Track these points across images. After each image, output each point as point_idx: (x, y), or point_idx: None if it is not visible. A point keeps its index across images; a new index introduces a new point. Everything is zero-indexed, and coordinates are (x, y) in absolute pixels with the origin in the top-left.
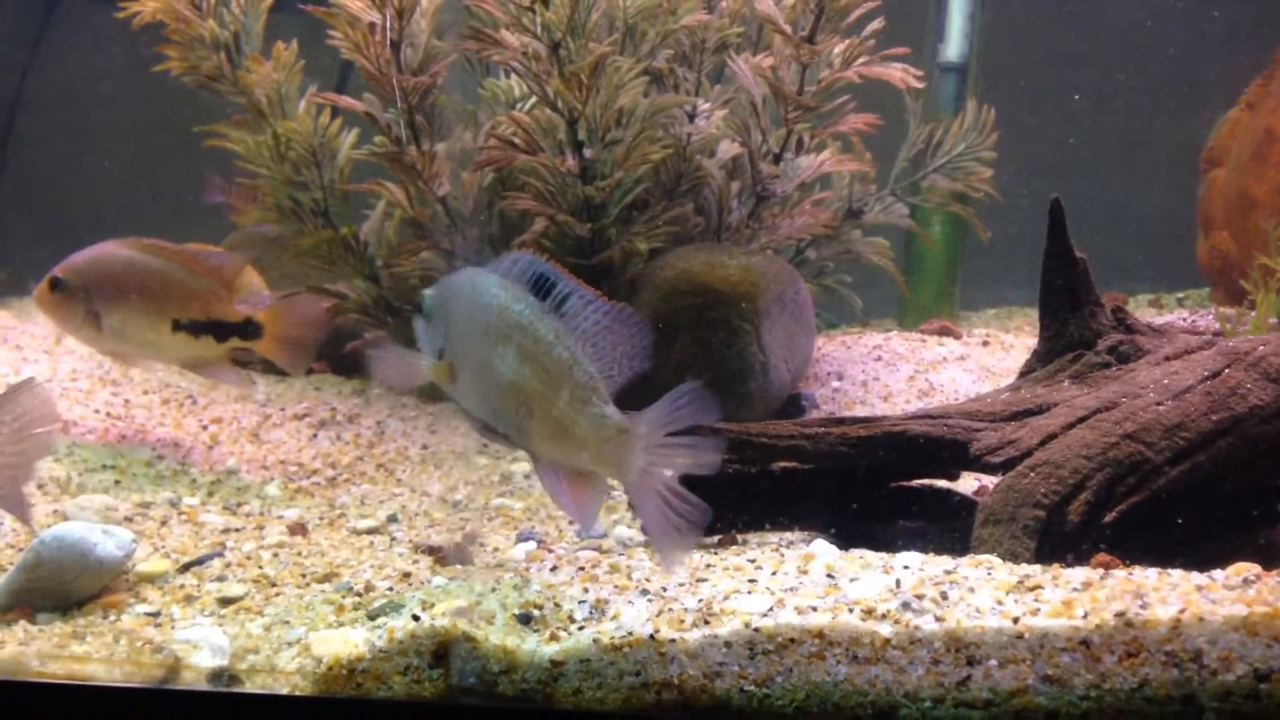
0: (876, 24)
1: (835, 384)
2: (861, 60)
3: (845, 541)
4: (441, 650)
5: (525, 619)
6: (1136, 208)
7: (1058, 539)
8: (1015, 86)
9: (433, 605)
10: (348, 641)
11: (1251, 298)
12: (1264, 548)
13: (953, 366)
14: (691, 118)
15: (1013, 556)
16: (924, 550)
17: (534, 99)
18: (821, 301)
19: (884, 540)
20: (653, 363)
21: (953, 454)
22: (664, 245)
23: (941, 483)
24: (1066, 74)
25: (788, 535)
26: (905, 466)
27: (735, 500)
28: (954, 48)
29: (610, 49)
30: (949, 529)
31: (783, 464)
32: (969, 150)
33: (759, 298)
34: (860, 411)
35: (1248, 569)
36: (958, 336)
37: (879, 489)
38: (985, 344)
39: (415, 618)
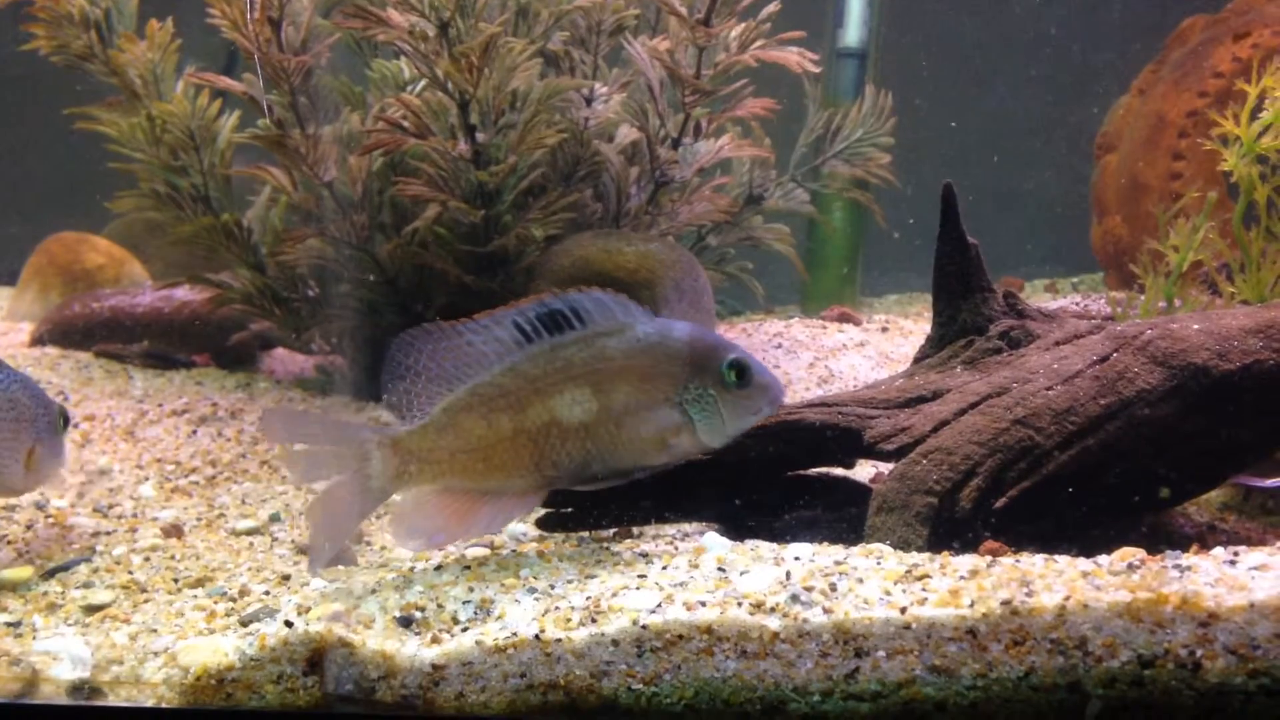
0: (773, 7)
1: None
2: (758, 44)
3: (741, 533)
4: (316, 657)
5: (406, 621)
6: (1035, 193)
7: (950, 526)
8: (915, 72)
9: (309, 609)
10: (217, 650)
11: (1141, 282)
12: (1149, 531)
13: (852, 353)
14: (589, 101)
15: (905, 544)
16: (818, 540)
17: (424, 81)
18: (725, 288)
19: (780, 530)
20: None
21: (847, 442)
22: (561, 232)
23: (838, 471)
24: (966, 60)
25: (685, 527)
26: (801, 455)
27: (631, 492)
28: (853, 33)
29: (501, 29)
30: (845, 517)
31: None
32: (867, 136)
33: (657, 285)
34: None
35: (1133, 554)
36: (857, 323)
37: (775, 478)
38: (884, 330)
39: (288, 623)
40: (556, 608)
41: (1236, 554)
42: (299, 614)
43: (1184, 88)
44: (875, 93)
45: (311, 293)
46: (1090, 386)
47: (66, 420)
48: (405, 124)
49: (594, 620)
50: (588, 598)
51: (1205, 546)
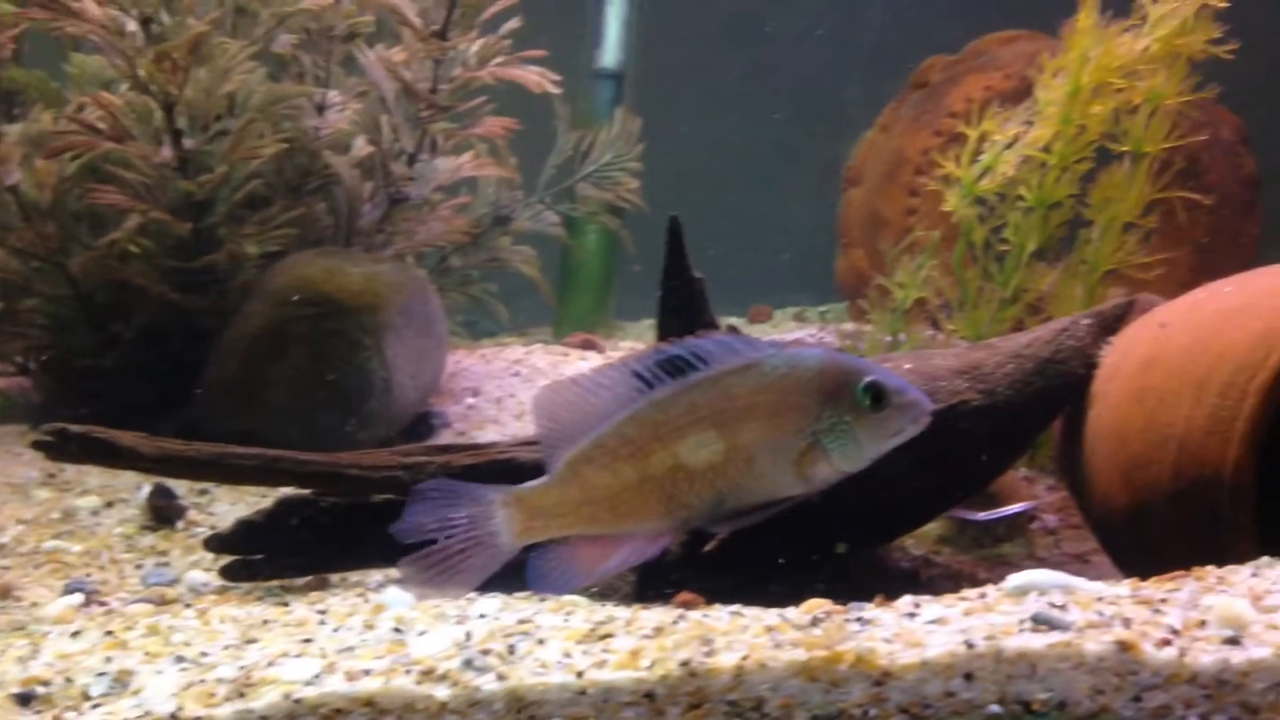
0: (513, 23)
1: (470, 400)
2: (498, 60)
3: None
4: None
5: (25, 699)
6: (788, 222)
7: (660, 571)
8: (674, 98)
9: None
10: None
11: (869, 316)
12: (866, 566)
13: None
14: (321, 110)
15: (612, 590)
16: (526, 586)
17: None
18: (476, 311)
19: (499, 576)
20: (261, 379)
21: None
22: (283, 249)
23: None
24: (724, 87)
25: (393, 573)
26: None
27: (330, 537)
28: (610, 54)
29: (211, 28)
30: None
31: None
32: (617, 160)
33: (383, 309)
34: (492, 430)
35: (820, 606)
36: (600, 350)
37: None
38: None
39: None
40: (203, 680)
41: (918, 605)
42: None
43: (922, 126)
44: (626, 115)
45: None
46: None
47: None
48: (101, 125)
49: (242, 694)
50: (241, 667)
51: (919, 580)
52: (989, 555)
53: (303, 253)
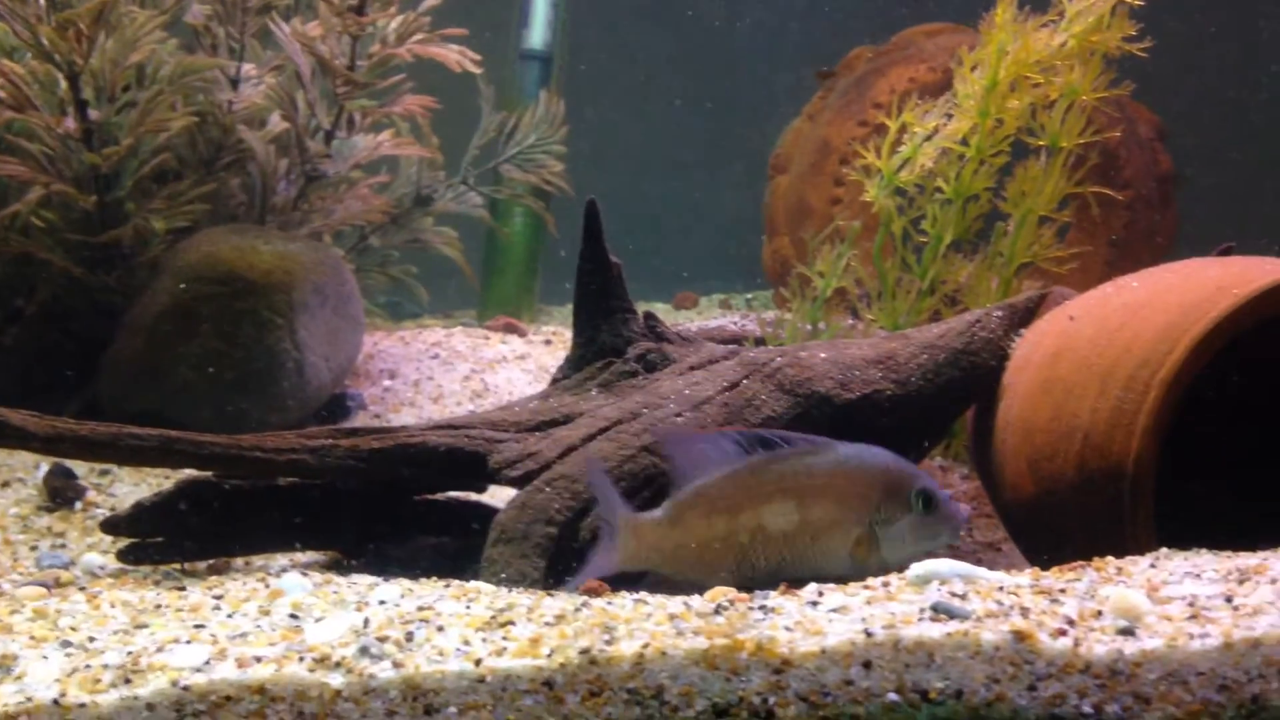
0: (433, 1)
1: (386, 383)
2: (417, 38)
3: (359, 563)
4: None
5: None
6: (717, 208)
7: (572, 558)
8: (603, 81)
9: None
10: None
11: (790, 305)
12: None
13: (511, 366)
14: (235, 84)
15: (522, 578)
16: (435, 572)
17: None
18: (399, 292)
19: (403, 560)
20: (167, 359)
21: (472, 467)
22: (193, 224)
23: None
24: (654, 71)
25: (299, 557)
26: (424, 480)
27: (233, 520)
28: (537, 35)
29: None
30: (475, 545)
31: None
32: (541, 142)
33: (295, 288)
34: (408, 413)
35: (725, 593)
36: (522, 334)
37: (401, 504)
38: (548, 343)
39: None
40: (88, 665)
41: (821, 594)
42: None
43: (847, 116)
44: (549, 98)
45: None
46: (718, 413)
47: None
48: (2, 94)
49: (129, 681)
50: (129, 653)
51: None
52: None
53: (213, 229)
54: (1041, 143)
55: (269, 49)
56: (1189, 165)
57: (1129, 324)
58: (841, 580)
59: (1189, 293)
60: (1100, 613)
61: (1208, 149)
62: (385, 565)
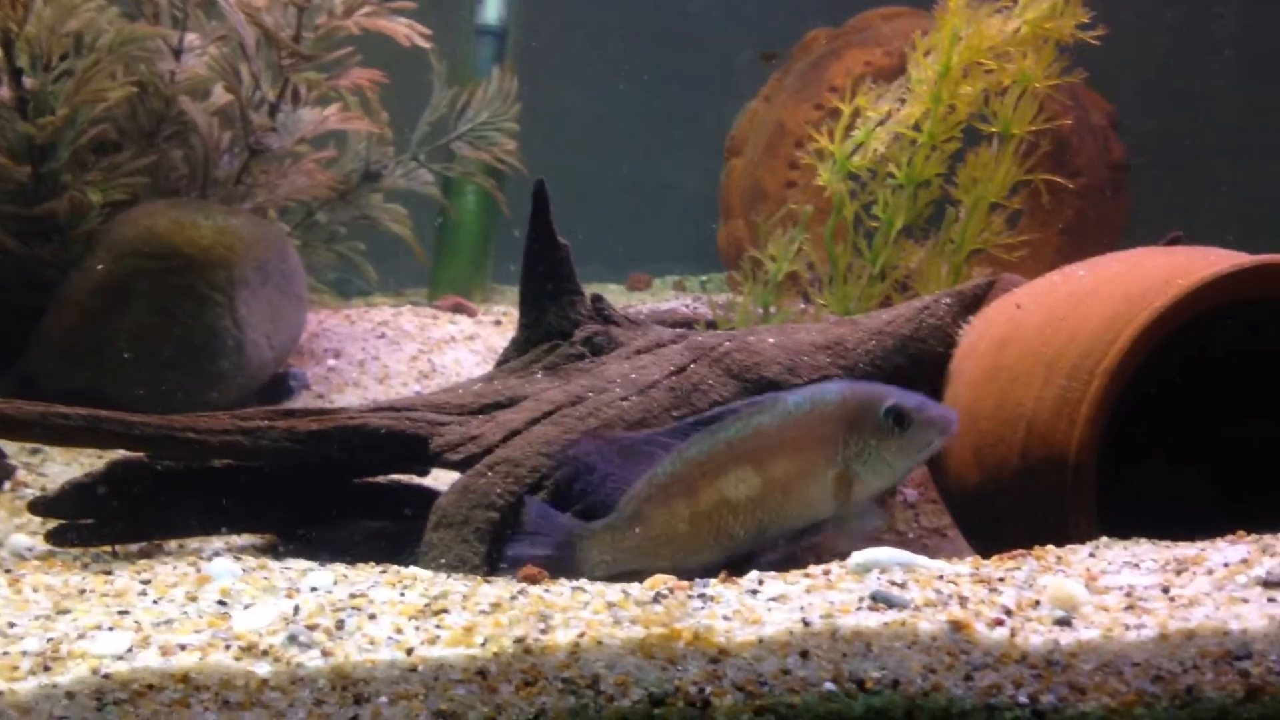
0: None
1: (331, 363)
2: (365, 10)
3: (296, 547)
4: None
5: None
6: (674, 189)
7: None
8: (560, 57)
9: None
10: None
11: (742, 288)
12: None
13: (460, 347)
14: (178, 54)
15: (461, 563)
16: (376, 557)
17: None
18: (349, 269)
19: (340, 544)
20: (103, 335)
21: (414, 450)
22: (132, 197)
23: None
24: (612, 50)
25: (236, 540)
26: (365, 463)
27: (165, 502)
28: (492, 10)
29: None
30: (415, 529)
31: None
32: (493, 119)
33: (235, 265)
34: (352, 394)
35: (663, 581)
36: (472, 314)
37: (340, 487)
38: (498, 323)
39: None
40: (6, 652)
41: (761, 582)
42: None
43: (803, 98)
44: (502, 74)
45: None
46: (665, 398)
47: None
48: None
49: (48, 668)
50: (49, 640)
51: (776, 554)
52: None
53: (152, 203)
54: (994, 129)
55: (213, 19)
56: (1141, 153)
57: (1074, 313)
58: (840, 524)
59: (1134, 283)
60: (1038, 602)
61: (1160, 137)
62: (324, 549)
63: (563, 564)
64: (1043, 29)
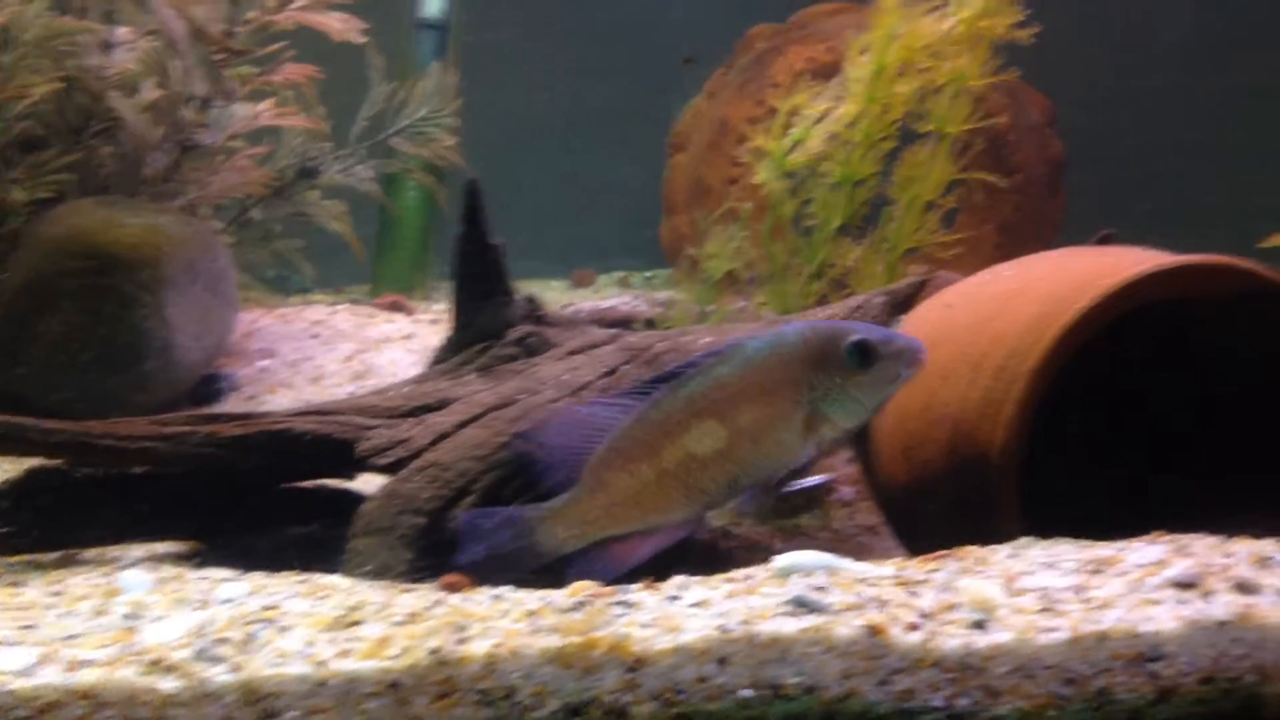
0: None
1: (263, 363)
2: (299, 3)
3: (219, 554)
4: None
5: None
6: (618, 185)
7: (440, 549)
8: (503, 52)
9: None
10: None
11: (680, 286)
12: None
13: (396, 346)
14: (107, 48)
15: (387, 570)
16: (302, 564)
17: None
18: (288, 267)
19: (266, 551)
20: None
21: (342, 454)
22: (59, 195)
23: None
24: (556, 43)
25: (158, 548)
26: (291, 468)
27: (82, 510)
28: (434, 4)
29: None
30: (344, 535)
31: None
32: (432, 115)
33: (163, 263)
34: (284, 395)
35: (586, 588)
36: (409, 313)
37: (267, 492)
38: (435, 322)
39: None
40: None
41: (684, 588)
42: None
43: (746, 95)
44: (441, 69)
45: None
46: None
47: None
48: None
49: None
50: None
51: (717, 552)
52: (786, 526)
53: (79, 201)
54: (929, 128)
55: (145, 13)
56: (1080, 150)
57: (1001, 313)
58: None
59: (1059, 283)
60: (955, 605)
61: (1098, 133)
62: (247, 555)
63: (526, 553)
64: (978, 27)
